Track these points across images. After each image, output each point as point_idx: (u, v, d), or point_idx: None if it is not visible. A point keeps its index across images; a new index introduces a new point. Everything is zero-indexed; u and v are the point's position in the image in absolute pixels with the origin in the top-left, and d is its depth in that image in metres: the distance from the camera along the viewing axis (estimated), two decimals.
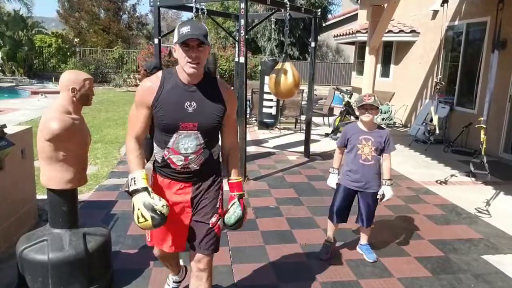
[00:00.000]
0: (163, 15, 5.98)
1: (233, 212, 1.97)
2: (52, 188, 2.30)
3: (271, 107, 6.37)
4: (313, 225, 3.72)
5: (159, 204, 1.75)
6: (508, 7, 5.31)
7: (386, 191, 2.97)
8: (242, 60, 4.71)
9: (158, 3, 5.36)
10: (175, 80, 1.81)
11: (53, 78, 16.70)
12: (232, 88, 2.37)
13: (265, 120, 6.53)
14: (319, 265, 3.01)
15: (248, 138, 6.34)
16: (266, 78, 5.75)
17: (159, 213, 1.74)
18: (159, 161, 1.93)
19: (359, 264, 3.04)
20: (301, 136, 7.37)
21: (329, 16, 22.71)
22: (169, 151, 1.85)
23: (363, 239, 3.21)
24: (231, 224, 1.98)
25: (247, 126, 5.71)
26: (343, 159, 3.11)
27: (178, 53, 1.74)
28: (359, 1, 8.06)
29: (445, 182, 5.20)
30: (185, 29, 1.70)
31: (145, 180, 1.81)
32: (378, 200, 3.01)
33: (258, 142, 7.37)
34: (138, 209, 1.75)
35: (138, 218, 1.75)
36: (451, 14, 7.93)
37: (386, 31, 7.28)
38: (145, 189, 1.78)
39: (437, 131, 6.99)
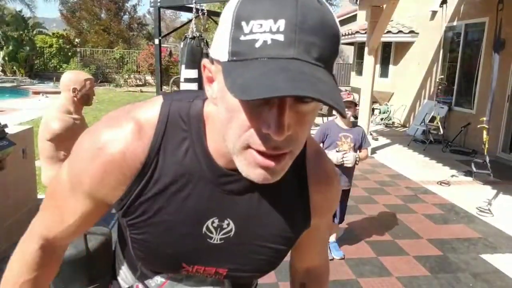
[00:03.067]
0: (161, 16, 6.02)
1: None
2: None
3: None
4: None
5: None
6: (508, 8, 5.33)
7: (351, 155, 2.85)
8: None
9: (159, 3, 5.39)
10: (197, 154, 0.65)
11: (54, 78, 16.70)
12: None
13: None
14: None
15: None
16: None
17: None
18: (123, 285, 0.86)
19: (358, 263, 3.06)
20: None
21: None
22: None
23: (333, 237, 3.23)
24: None
25: None
26: None
27: (223, 102, 0.54)
28: (358, 2, 8.08)
29: (447, 183, 5.20)
30: (268, 36, 0.47)
31: None
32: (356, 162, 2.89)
33: None
34: None
35: None
36: (449, 15, 7.96)
37: (385, 31, 7.30)
38: None
39: (441, 131, 6.98)
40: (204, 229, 0.68)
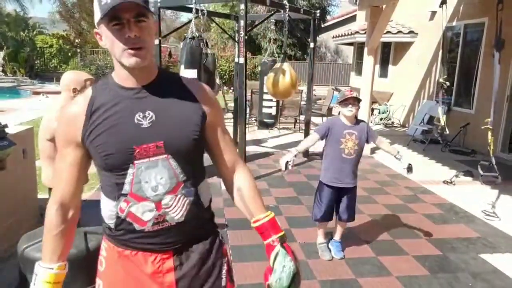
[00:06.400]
0: (161, 16, 6.02)
1: (282, 269, 1.19)
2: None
3: (271, 107, 6.40)
4: (312, 224, 3.73)
5: None
6: (507, 8, 5.34)
7: (407, 161, 2.88)
8: (241, 61, 4.74)
9: (159, 3, 5.38)
10: (112, 88, 1.15)
11: (55, 79, 16.71)
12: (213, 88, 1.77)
13: (265, 120, 6.57)
14: (317, 264, 3.03)
15: (248, 138, 6.36)
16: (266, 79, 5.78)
17: None
18: (113, 226, 1.19)
19: (358, 263, 3.07)
20: (300, 136, 7.39)
21: (328, 17, 22.72)
22: (128, 200, 1.14)
23: (337, 235, 3.22)
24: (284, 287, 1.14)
25: (247, 126, 5.73)
26: (324, 155, 3.09)
27: (108, 39, 1.08)
28: (357, 2, 8.09)
29: (452, 182, 5.19)
30: None
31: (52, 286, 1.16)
32: (407, 172, 2.87)
33: (257, 142, 7.40)
34: None
35: None
36: (449, 15, 7.96)
37: (385, 32, 7.31)
38: None
39: (447, 131, 6.97)
40: (135, 120, 1.13)
